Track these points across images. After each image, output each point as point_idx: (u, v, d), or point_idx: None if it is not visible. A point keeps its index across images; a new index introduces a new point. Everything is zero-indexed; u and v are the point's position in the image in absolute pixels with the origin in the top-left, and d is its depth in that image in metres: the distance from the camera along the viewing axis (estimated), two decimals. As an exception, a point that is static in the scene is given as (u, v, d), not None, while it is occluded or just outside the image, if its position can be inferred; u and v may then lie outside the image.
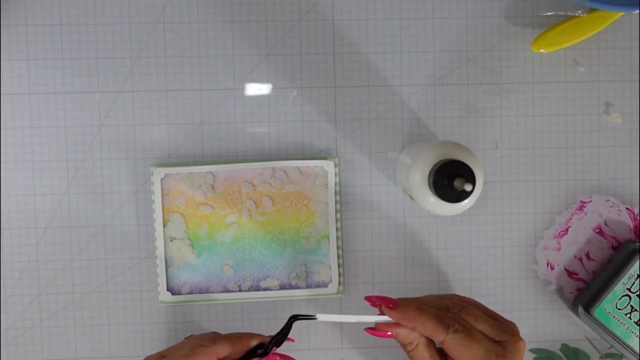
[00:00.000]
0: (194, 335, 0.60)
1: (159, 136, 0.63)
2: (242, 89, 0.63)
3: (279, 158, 0.63)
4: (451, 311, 0.54)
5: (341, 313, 0.64)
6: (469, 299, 0.57)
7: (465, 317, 0.54)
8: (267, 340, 0.57)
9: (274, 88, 0.63)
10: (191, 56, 0.63)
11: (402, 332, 0.55)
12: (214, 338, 0.56)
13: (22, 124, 0.62)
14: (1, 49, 0.62)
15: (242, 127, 0.63)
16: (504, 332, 0.53)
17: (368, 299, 0.56)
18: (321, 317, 0.56)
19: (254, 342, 0.57)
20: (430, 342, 0.55)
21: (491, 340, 0.53)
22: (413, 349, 0.55)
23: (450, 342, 0.53)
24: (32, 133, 0.62)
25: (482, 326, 0.53)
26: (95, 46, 0.62)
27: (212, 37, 0.63)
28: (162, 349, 0.63)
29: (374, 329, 0.55)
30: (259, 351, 0.56)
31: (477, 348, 0.52)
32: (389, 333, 0.55)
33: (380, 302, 0.55)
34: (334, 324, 0.64)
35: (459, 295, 0.58)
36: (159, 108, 0.63)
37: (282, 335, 0.56)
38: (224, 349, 0.56)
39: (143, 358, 0.57)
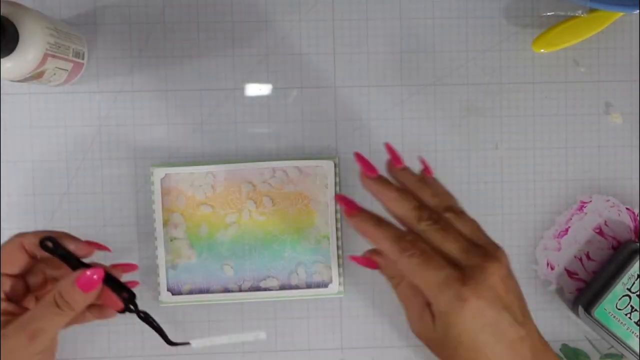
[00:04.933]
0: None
1: (159, 136, 0.63)
2: (242, 89, 0.63)
3: (279, 158, 0.63)
4: (417, 228, 0.49)
5: (341, 314, 0.64)
6: (459, 211, 0.50)
7: (433, 237, 0.49)
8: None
9: (274, 88, 0.63)
10: (191, 56, 0.63)
11: (384, 263, 0.53)
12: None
13: (22, 124, 0.62)
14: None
15: (242, 127, 0.63)
16: (474, 256, 0.48)
17: (337, 198, 0.54)
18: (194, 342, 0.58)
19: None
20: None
21: (454, 265, 0.48)
22: (398, 285, 0.53)
23: (405, 266, 0.48)
24: (32, 133, 0.62)
25: (449, 247, 0.48)
26: (95, 46, 0.62)
27: (212, 37, 0.63)
28: (161, 350, 0.63)
29: (357, 257, 0.54)
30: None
31: (434, 275, 0.47)
32: (365, 262, 0.54)
33: (341, 203, 0.52)
34: (333, 324, 0.64)
35: (447, 203, 0.51)
36: (159, 108, 0.63)
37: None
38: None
39: None
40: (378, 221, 0.50)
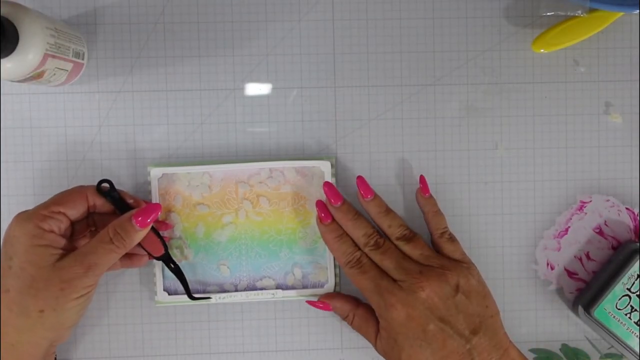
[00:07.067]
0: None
1: (158, 136, 0.63)
2: (242, 89, 0.63)
3: (278, 158, 0.63)
4: (363, 249, 0.59)
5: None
6: (410, 239, 0.59)
7: (374, 257, 0.59)
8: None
9: (274, 88, 0.63)
10: (191, 56, 0.63)
11: (336, 304, 0.61)
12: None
13: (22, 124, 0.62)
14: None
15: (242, 127, 0.63)
16: (408, 274, 0.56)
17: (317, 203, 0.62)
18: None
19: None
20: (366, 312, 0.60)
21: (388, 278, 0.57)
22: (352, 321, 0.61)
23: (348, 275, 0.59)
24: (32, 133, 0.63)
25: (386, 266, 0.58)
26: (95, 46, 0.62)
27: (212, 37, 0.63)
28: (162, 350, 0.63)
29: (314, 302, 0.62)
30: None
31: (366, 282, 0.58)
32: (321, 305, 0.62)
33: (318, 210, 0.61)
34: (333, 324, 0.64)
35: (399, 234, 0.60)
36: (159, 108, 0.63)
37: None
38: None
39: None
40: (340, 236, 0.60)
